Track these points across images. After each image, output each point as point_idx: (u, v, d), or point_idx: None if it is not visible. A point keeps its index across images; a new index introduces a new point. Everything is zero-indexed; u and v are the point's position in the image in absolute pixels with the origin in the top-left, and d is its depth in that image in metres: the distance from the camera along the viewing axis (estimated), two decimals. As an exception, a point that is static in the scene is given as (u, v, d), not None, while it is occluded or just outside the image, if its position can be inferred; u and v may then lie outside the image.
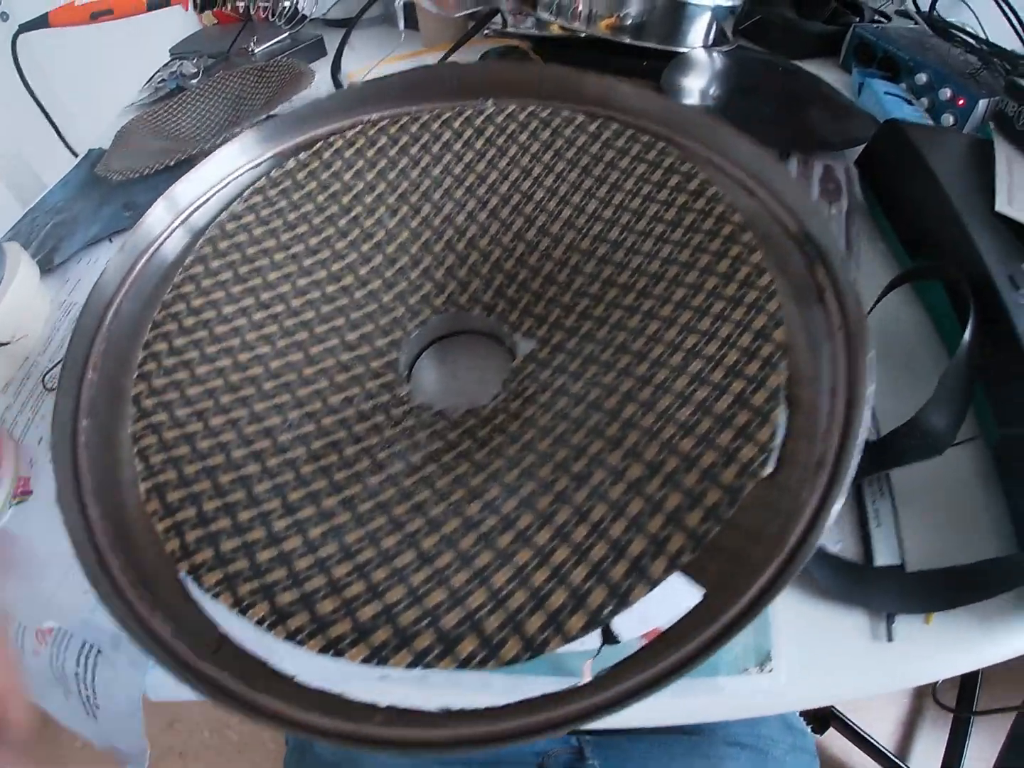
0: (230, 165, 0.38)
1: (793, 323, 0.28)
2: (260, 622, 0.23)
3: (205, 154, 0.39)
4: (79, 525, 0.26)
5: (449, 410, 0.31)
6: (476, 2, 0.64)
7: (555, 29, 0.64)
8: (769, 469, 0.24)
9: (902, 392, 0.38)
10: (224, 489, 0.27)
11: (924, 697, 1.01)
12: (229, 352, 0.32)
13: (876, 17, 0.71)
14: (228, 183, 0.38)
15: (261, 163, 0.38)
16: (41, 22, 0.70)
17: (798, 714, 0.55)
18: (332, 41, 0.75)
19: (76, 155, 0.76)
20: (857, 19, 0.69)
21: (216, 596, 0.24)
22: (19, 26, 0.72)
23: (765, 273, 0.30)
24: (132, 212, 0.64)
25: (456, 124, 0.37)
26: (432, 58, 0.66)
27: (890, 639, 0.31)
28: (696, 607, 0.22)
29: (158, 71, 0.78)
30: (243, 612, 0.23)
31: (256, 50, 0.72)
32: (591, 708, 0.20)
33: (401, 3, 0.62)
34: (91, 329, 0.32)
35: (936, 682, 0.88)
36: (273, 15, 0.73)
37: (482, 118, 0.37)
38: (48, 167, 0.81)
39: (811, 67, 0.65)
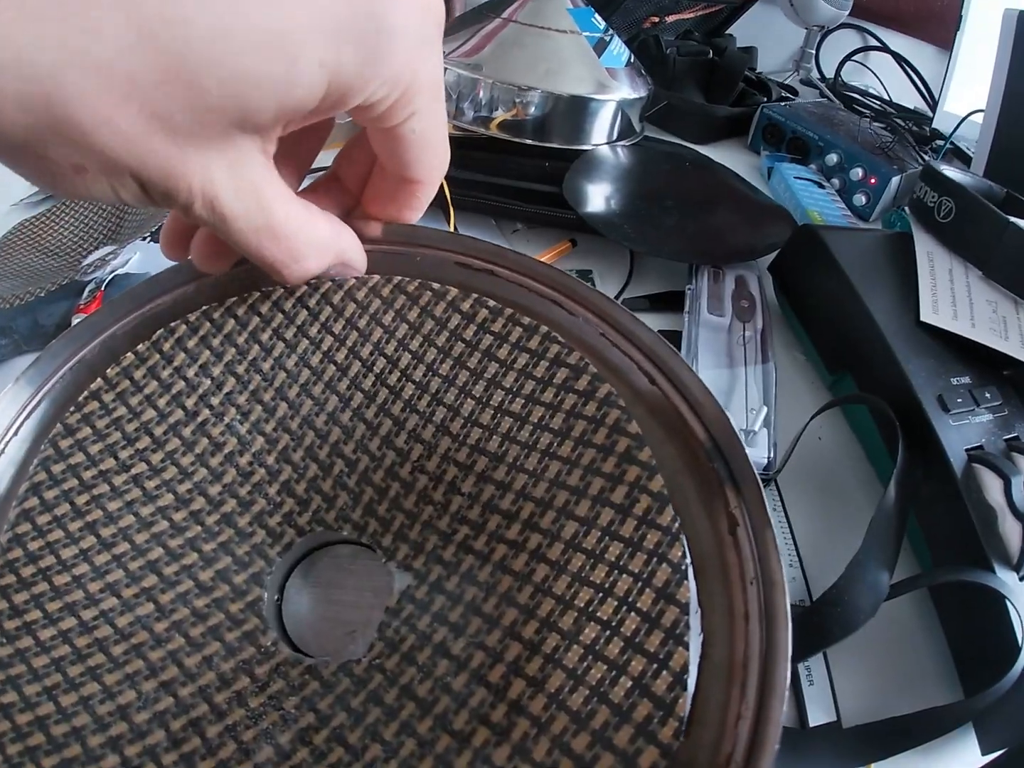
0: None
1: (701, 566, 0.24)
2: None
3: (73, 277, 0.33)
4: None
5: (320, 665, 0.26)
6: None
7: (451, 130, 0.58)
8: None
9: (833, 526, 0.36)
10: None
11: None
12: (72, 609, 0.26)
13: (784, 93, 0.67)
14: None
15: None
16: None
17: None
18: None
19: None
20: (765, 99, 0.65)
21: None
22: None
23: (667, 507, 0.25)
24: (8, 339, 0.57)
25: (312, 302, 0.32)
26: (325, 158, 0.60)
27: None
28: None
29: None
30: None
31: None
32: None
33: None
34: None
35: None
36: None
37: (340, 294, 0.32)
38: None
39: (719, 150, 0.61)
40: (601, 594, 0.24)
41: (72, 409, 0.31)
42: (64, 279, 0.53)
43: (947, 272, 0.43)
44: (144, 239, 0.57)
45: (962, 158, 0.57)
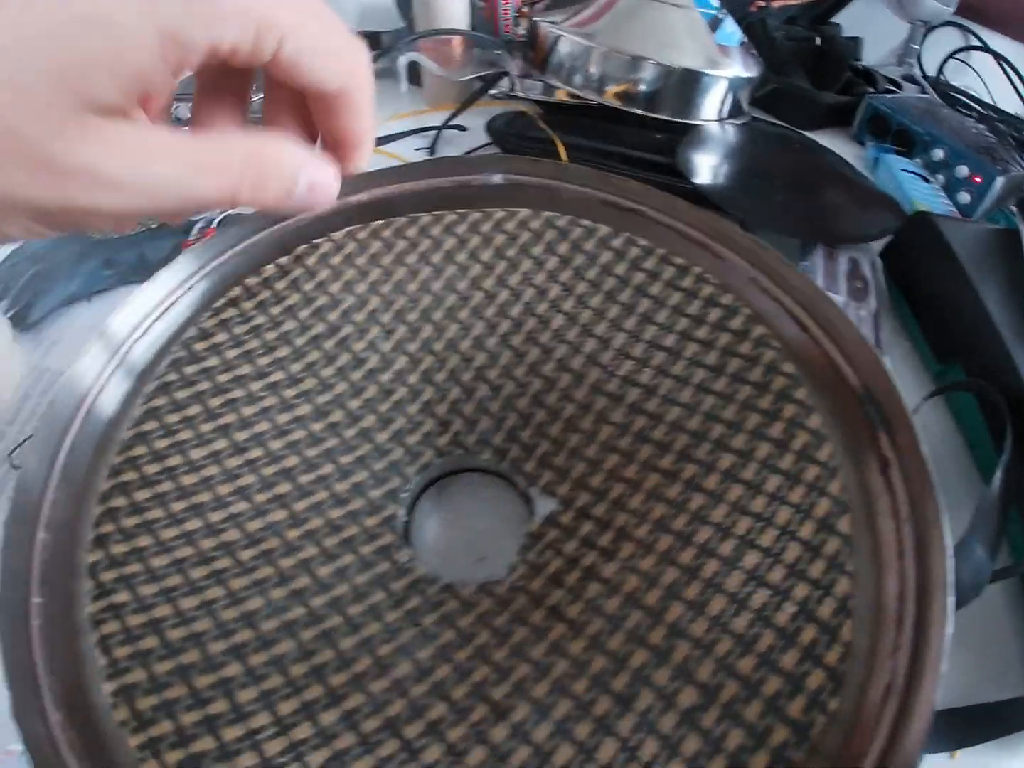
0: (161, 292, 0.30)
1: (853, 503, 0.22)
2: None
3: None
4: (41, 738, 0.20)
5: (458, 584, 0.25)
6: (483, 65, 0.57)
7: (562, 96, 0.57)
8: (837, 702, 0.19)
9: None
10: (204, 697, 0.21)
11: None
12: (199, 511, 0.25)
13: (888, 87, 0.65)
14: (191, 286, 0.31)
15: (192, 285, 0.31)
16: None
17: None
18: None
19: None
20: (871, 90, 0.63)
21: None
22: None
23: (825, 443, 0.23)
24: (113, 271, 0.57)
25: (460, 230, 0.30)
26: (436, 118, 0.59)
27: None
28: None
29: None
30: None
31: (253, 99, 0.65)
32: None
33: (405, 62, 0.55)
34: (44, 472, 0.25)
35: None
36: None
37: (489, 224, 0.30)
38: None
39: (823, 139, 0.59)
40: (761, 523, 0.23)
41: (208, 314, 0.29)
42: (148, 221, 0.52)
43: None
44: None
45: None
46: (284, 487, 0.26)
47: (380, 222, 0.31)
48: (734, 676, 0.20)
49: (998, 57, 0.64)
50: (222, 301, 0.30)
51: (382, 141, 0.58)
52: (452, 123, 0.57)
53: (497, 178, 0.32)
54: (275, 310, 0.29)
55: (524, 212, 0.31)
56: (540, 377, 0.28)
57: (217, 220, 0.53)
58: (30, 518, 0.24)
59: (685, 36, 0.54)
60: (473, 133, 0.57)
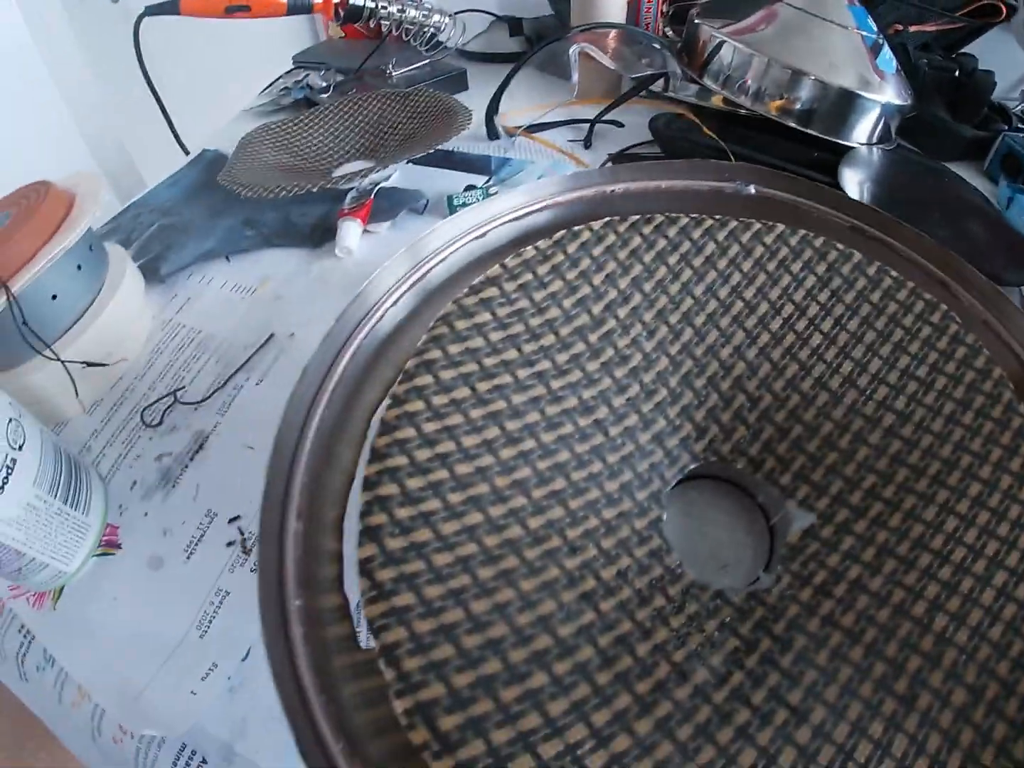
0: (460, 227, 0.31)
1: None
2: None
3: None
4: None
5: (729, 592, 0.25)
6: (643, 65, 0.57)
7: (718, 101, 0.57)
8: None
9: None
10: (513, 712, 0.20)
11: None
12: (478, 503, 0.24)
13: (1020, 124, 0.66)
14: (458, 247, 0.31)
15: (486, 232, 0.31)
16: (171, 8, 0.60)
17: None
18: (473, 75, 0.67)
19: (187, 152, 0.67)
20: (1005, 127, 0.63)
21: None
22: (146, 8, 0.62)
23: None
24: (255, 231, 0.56)
25: (720, 236, 0.31)
26: (587, 110, 0.59)
27: None
28: None
29: (280, 78, 0.70)
30: None
31: (394, 73, 0.64)
32: None
33: (576, 52, 0.55)
34: (290, 451, 0.24)
35: None
36: (412, 38, 0.65)
37: (748, 235, 0.31)
38: (151, 162, 0.72)
39: (956, 171, 0.59)
40: (1007, 546, 0.25)
41: (467, 291, 0.29)
42: (315, 185, 0.51)
43: None
44: (406, 162, 0.56)
45: None
46: (559, 483, 0.26)
47: (639, 216, 0.31)
48: (995, 678, 0.22)
49: None
50: (481, 279, 0.29)
51: (535, 129, 0.58)
52: (607, 118, 0.57)
53: (750, 189, 0.32)
54: (538, 295, 0.29)
55: (781, 227, 0.31)
56: (798, 393, 0.29)
57: (374, 192, 0.53)
58: (281, 508, 0.23)
59: (846, 57, 0.54)
60: (628, 130, 0.57)
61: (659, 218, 0.31)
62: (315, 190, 0.51)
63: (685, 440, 0.29)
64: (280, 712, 0.19)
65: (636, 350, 0.29)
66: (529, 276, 0.30)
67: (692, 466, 0.28)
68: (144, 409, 0.44)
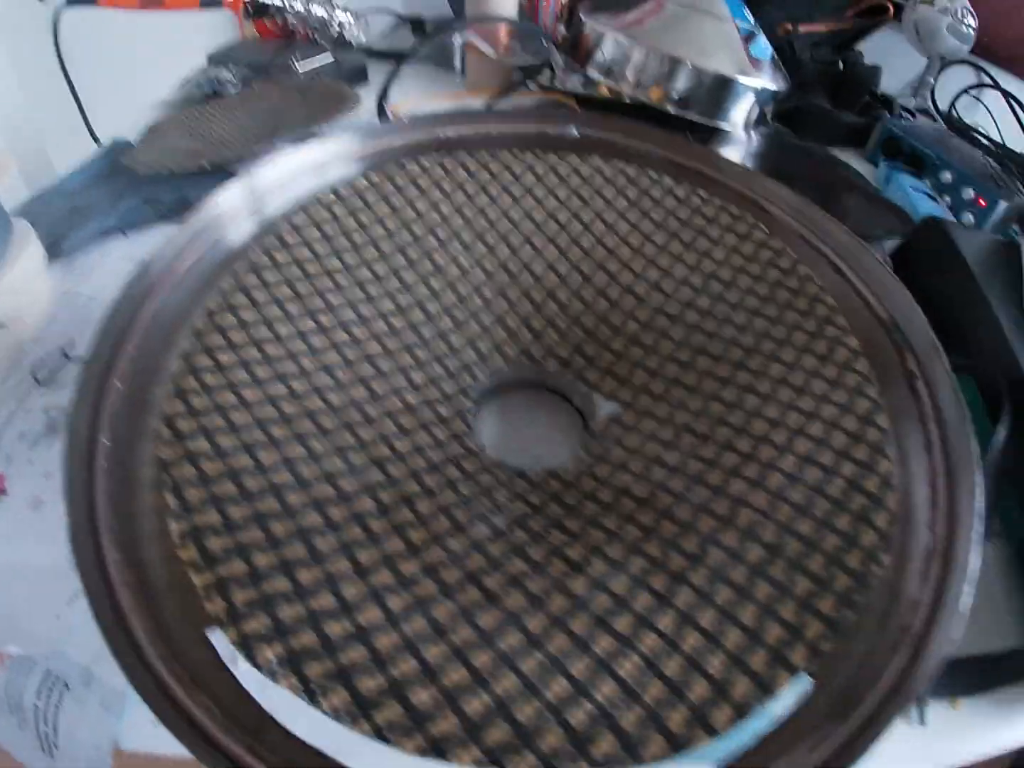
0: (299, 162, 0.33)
1: (887, 404, 0.26)
2: (335, 712, 0.18)
3: (239, 161, 0.33)
4: (94, 570, 0.21)
5: (527, 469, 0.28)
6: (531, 53, 0.61)
7: (602, 91, 0.61)
8: (888, 556, 0.22)
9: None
10: (279, 541, 0.22)
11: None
12: (283, 379, 0.27)
13: (902, 113, 0.71)
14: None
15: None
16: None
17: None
18: (374, 71, 0.71)
19: (99, 144, 0.71)
20: (887, 113, 0.69)
21: (274, 676, 0.19)
22: (66, 1, 0.66)
23: (861, 358, 0.27)
24: (154, 208, 0.59)
25: (539, 168, 0.34)
26: (475, 101, 0.63)
27: (922, 723, 0.29)
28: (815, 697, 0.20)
29: (194, 74, 0.74)
30: (312, 699, 0.18)
31: (300, 68, 0.68)
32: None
33: (460, 44, 0.59)
34: (123, 323, 0.27)
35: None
36: (319, 36, 0.69)
37: (566, 165, 0.34)
38: (64, 153, 0.74)
39: (839, 156, 0.64)
40: (809, 418, 0.27)
41: (298, 211, 0.32)
42: (208, 163, 0.55)
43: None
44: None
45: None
46: (365, 369, 0.29)
47: (465, 153, 0.34)
48: (796, 536, 0.23)
49: (1008, 96, 0.70)
50: (315, 202, 0.32)
51: (426, 115, 0.62)
52: (496, 109, 0.61)
53: (573, 131, 0.35)
54: (364, 216, 0.32)
55: (597, 159, 0.34)
56: (606, 299, 0.32)
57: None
58: (107, 364, 0.25)
59: (721, 45, 0.59)
60: (515, 117, 0.62)
61: (483, 153, 0.34)
62: (208, 167, 0.54)
63: (498, 344, 0.31)
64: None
65: (453, 264, 0.32)
66: (359, 202, 0.33)
67: (505, 367, 0.31)
68: (33, 367, 0.46)
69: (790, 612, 0.22)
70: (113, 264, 0.54)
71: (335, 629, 0.20)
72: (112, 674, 0.33)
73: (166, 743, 0.22)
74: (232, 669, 0.19)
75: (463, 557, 0.24)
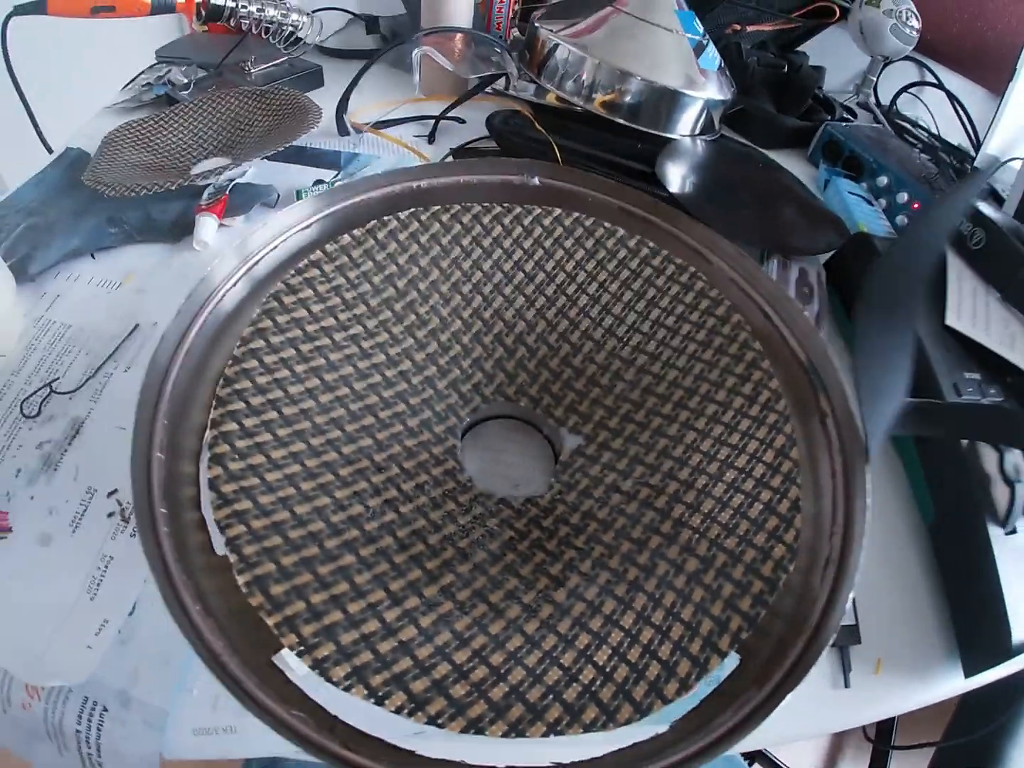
0: (287, 222, 0.40)
1: (800, 439, 0.35)
2: (399, 710, 0.27)
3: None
4: (186, 622, 0.28)
5: (510, 498, 0.36)
6: (479, 61, 0.67)
7: (552, 99, 0.68)
8: (793, 566, 0.32)
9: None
10: (326, 581, 0.31)
11: (845, 734, 1.12)
12: (301, 436, 0.35)
13: (844, 114, 0.79)
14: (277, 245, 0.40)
15: (311, 224, 0.41)
16: (39, 8, 0.68)
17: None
18: (329, 71, 0.76)
19: (50, 151, 0.74)
20: (828, 117, 0.77)
21: (348, 689, 0.27)
22: (14, 7, 0.70)
23: (782, 399, 0.36)
24: (118, 228, 0.64)
25: (506, 220, 0.41)
26: (433, 106, 0.69)
27: (847, 686, 0.39)
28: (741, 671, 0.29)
29: (142, 73, 0.78)
30: (379, 703, 0.27)
31: (253, 70, 0.73)
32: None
33: (418, 56, 0.65)
34: (152, 402, 0.33)
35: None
36: (271, 35, 0.74)
37: (530, 219, 0.41)
38: (14, 163, 0.78)
39: (782, 158, 0.73)
40: (736, 452, 0.36)
41: (292, 273, 0.39)
42: (173, 183, 0.60)
43: (971, 290, 0.56)
44: (261, 159, 0.65)
45: (996, 198, 0.70)
46: (368, 419, 0.37)
47: (439, 207, 0.41)
48: (723, 550, 0.33)
49: (948, 93, 0.79)
50: (305, 263, 0.39)
51: (383, 125, 0.68)
52: (450, 115, 0.68)
53: (535, 181, 0.43)
54: (352, 274, 0.39)
55: (558, 211, 0.42)
56: (568, 343, 0.40)
57: (229, 189, 0.61)
58: (147, 443, 0.32)
59: (671, 57, 0.67)
60: (470, 126, 0.68)
61: (455, 207, 0.42)
62: (173, 188, 0.61)
63: (476, 385, 0.39)
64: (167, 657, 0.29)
65: (434, 315, 0.40)
66: (345, 259, 0.40)
67: (483, 406, 0.39)
68: (23, 401, 0.51)
69: (718, 609, 0.31)
70: (83, 289, 0.60)
71: (384, 648, 0.29)
72: (150, 694, 0.39)
73: (206, 750, 0.29)
74: (299, 684, 0.27)
75: (470, 580, 0.32)
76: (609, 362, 0.40)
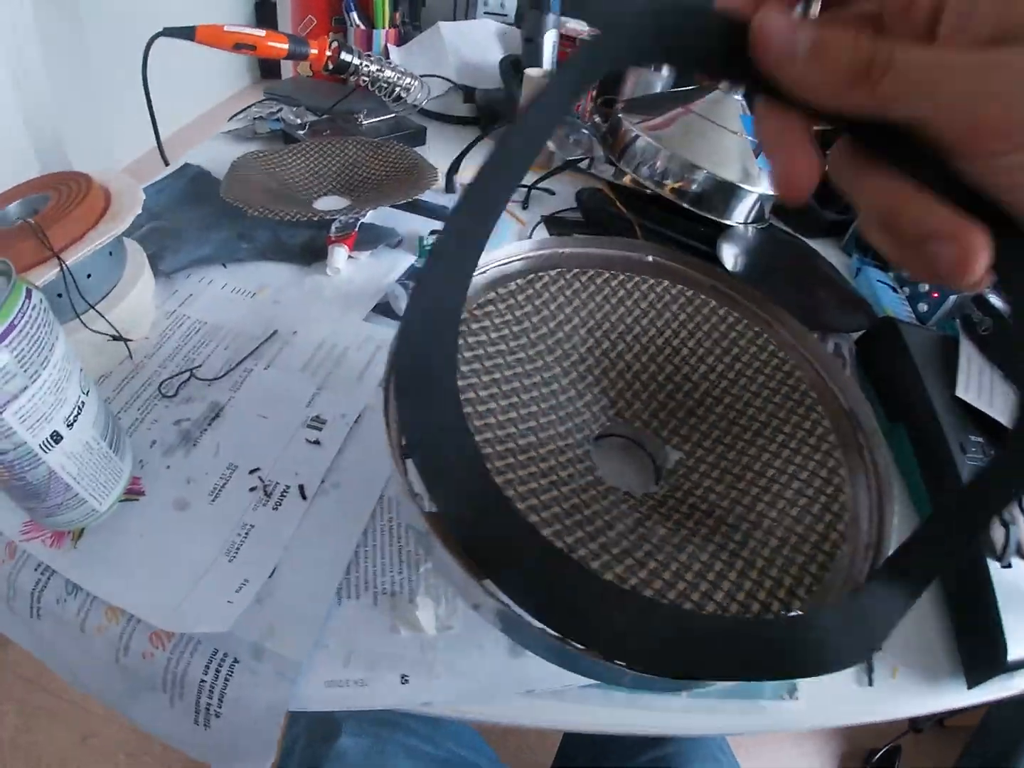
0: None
1: (846, 463, 0.53)
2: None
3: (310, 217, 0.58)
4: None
5: (633, 492, 0.53)
6: (576, 144, 0.87)
7: (627, 181, 0.88)
8: (845, 547, 0.49)
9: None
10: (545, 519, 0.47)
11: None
12: (490, 427, 0.52)
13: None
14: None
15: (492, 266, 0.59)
16: (187, 33, 0.79)
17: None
18: (430, 132, 0.96)
19: (166, 163, 0.90)
20: (860, 213, 0.99)
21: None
22: (164, 28, 0.80)
23: (832, 434, 0.54)
24: (249, 245, 0.78)
25: (628, 285, 0.60)
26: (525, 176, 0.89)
27: (871, 684, 0.55)
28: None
29: (253, 106, 0.96)
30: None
31: (364, 122, 0.92)
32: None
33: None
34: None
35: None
36: (377, 90, 0.93)
37: (646, 285, 0.61)
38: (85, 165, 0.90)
39: (820, 246, 0.93)
40: (799, 468, 0.53)
41: (475, 306, 0.57)
42: (299, 215, 0.76)
43: (979, 369, 0.76)
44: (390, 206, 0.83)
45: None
46: (532, 423, 0.53)
47: (578, 269, 0.60)
48: (795, 534, 0.50)
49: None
50: (483, 299, 0.57)
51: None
52: (541, 185, 0.88)
53: (649, 257, 0.62)
54: (517, 313, 0.57)
55: (666, 282, 0.61)
56: (672, 383, 0.58)
57: (358, 227, 0.80)
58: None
59: (733, 156, 0.87)
60: (558, 196, 0.88)
61: (591, 271, 0.60)
62: (305, 219, 0.77)
63: (604, 408, 0.57)
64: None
65: (575, 351, 0.58)
66: (512, 300, 0.58)
67: (607, 424, 0.57)
68: (162, 382, 0.62)
69: (795, 572, 0.48)
70: (217, 293, 0.73)
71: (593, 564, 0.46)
72: (285, 647, 0.44)
73: (334, 702, 0.40)
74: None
75: (619, 540, 0.49)
76: (703, 399, 0.57)
